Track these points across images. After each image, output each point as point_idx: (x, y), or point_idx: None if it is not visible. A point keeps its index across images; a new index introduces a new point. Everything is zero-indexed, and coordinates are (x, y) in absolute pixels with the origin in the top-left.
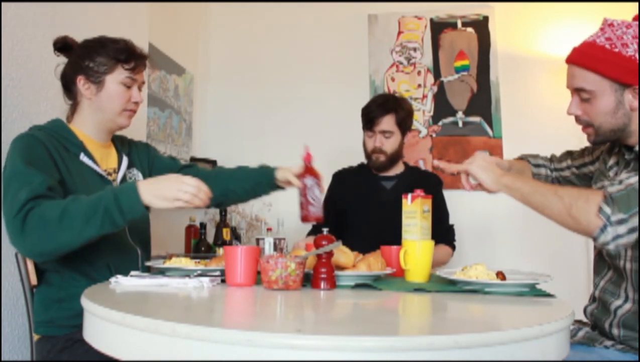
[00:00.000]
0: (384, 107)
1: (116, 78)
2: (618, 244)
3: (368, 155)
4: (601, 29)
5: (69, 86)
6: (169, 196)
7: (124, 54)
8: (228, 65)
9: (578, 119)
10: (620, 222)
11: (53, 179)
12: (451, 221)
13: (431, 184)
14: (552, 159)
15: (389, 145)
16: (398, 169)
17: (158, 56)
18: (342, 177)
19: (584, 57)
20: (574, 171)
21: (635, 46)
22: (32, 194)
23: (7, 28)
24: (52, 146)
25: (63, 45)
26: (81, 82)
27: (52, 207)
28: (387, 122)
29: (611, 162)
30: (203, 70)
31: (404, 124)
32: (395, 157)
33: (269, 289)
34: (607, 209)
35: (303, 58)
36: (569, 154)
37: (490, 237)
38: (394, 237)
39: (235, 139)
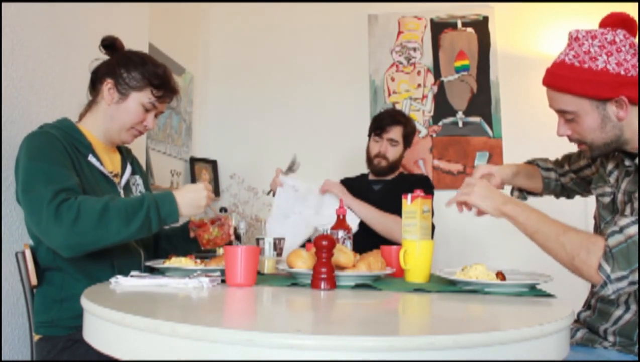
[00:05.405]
0: (395, 118)
1: (140, 97)
2: (620, 294)
3: (370, 158)
4: (568, 45)
5: (95, 83)
6: (200, 204)
7: (158, 80)
8: (228, 65)
9: (570, 138)
10: (621, 279)
11: (76, 177)
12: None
13: (418, 185)
14: (557, 163)
15: (393, 153)
16: (392, 176)
17: (158, 56)
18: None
19: (556, 79)
20: (572, 177)
21: (605, 57)
22: (63, 186)
23: (7, 28)
24: (67, 145)
25: (110, 44)
26: (107, 86)
27: (92, 201)
28: (396, 132)
29: (610, 166)
30: (203, 70)
31: (408, 138)
32: (395, 165)
33: (206, 247)
34: (607, 268)
35: (303, 58)
36: (567, 158)
37: (490, 237)
38: (381, 237)
39: (235, 139)
